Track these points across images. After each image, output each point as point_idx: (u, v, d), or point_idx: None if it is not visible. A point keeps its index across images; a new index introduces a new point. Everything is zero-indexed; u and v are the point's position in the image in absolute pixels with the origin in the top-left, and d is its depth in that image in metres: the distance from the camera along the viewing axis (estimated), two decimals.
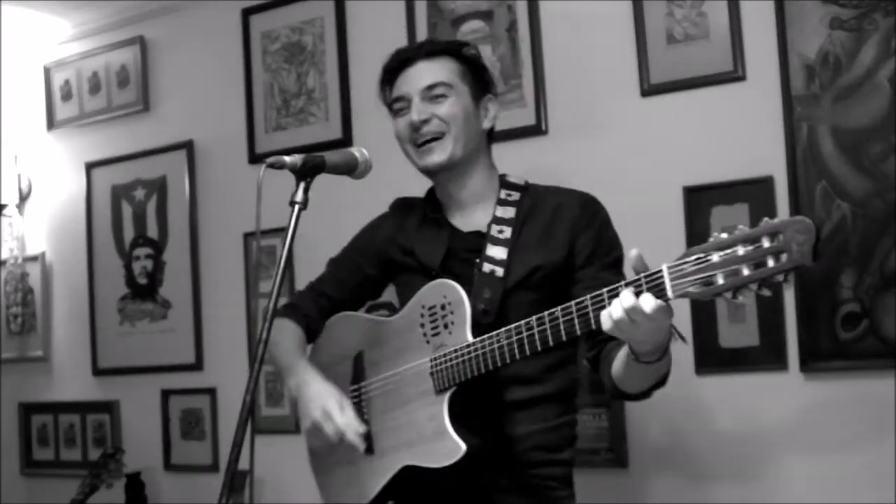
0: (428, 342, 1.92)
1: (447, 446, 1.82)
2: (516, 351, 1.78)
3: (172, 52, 3.78)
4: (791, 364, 2.56)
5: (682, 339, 1.83)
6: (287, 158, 1.77)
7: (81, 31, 3.98)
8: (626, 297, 1.57)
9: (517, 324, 1.78)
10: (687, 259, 1.51)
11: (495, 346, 1.80)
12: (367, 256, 2.19)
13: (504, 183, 2.09)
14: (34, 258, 4.10)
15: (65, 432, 4.00)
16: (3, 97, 4.15)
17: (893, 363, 2.42)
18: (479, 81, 2.08)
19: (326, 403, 1.92)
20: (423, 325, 1.94)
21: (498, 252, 1.98)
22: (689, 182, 2.69)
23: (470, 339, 1.85)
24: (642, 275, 1.57)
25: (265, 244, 3.40)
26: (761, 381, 2.59)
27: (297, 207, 1.78)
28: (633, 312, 1.56)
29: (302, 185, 1.79)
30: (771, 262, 1.42)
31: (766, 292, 1.45)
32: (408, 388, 1.94)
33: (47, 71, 4.09)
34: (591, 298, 1.66)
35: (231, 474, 1.63)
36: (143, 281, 3.82)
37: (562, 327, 1.71)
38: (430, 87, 2.02)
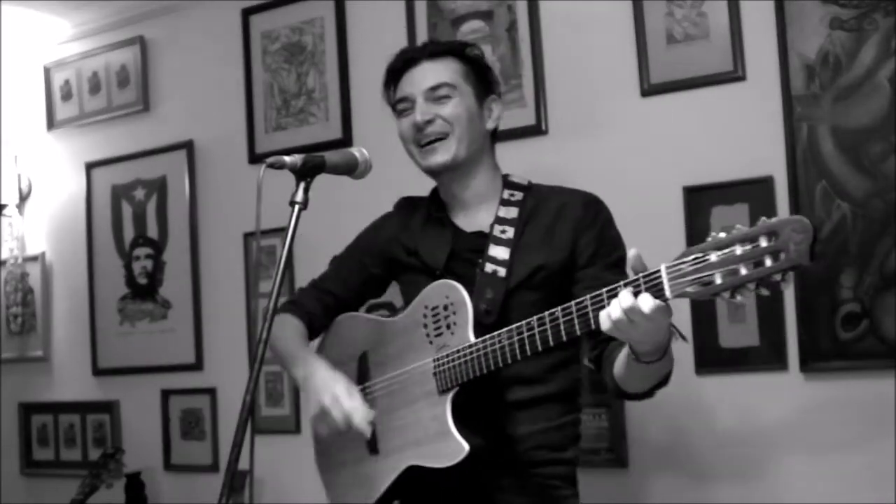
0: (431, 343, 1.93)
1: (450, 447, 1.82)
2: (517, 351, 1.78)
3: (172, 52, 3.78)
4: (791, 364, 2.56)
5: (683, 338, 1.83)
6: (287, 158, 1.77)
7: (81, 31, 3.98)
8: (624, 298, 1.57)
9: (518, 324, 1.78)
10: (685, 259, 1.50)
11: (496, 346, 1.80)
12: (371, 255, 2.19)
13: (507, 183, 2.09)
14: (34, 258, 4.10)
15: (65, 432, 4.00)
16: (3, 97, 4.15)
17: (893, 363, 2.42)
18: (483, 82, 2.08)
19: (335, 388, 1.92)
20: (426, 326, 1.95)
21: (500, 252, 1.98)
22: (689, 182, 2.69)
23: (472, 339, 1.85)
24: (641, 275, 1.57)
25: (265, 244, 3.40)
26: (761, 381, 2.59)
27: (297, 207, 1.78)
28: (631, 313, 1.56)
29: (302, 185, 1.79)
30: (768, 262, 1.41)
31: (765, 292, 1.45)
32: (412, 388, 1.94)
33: (47, 71, 4.09)
34: (591, 299, 1.66)
35: (231, 474, 1.63)
36: (143, 281, 3.82)
37: (562, 327, 1.71)
38: (434, 88, 2.02)
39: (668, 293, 1.53)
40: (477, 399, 1.88)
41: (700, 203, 2.67)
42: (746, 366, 2.61)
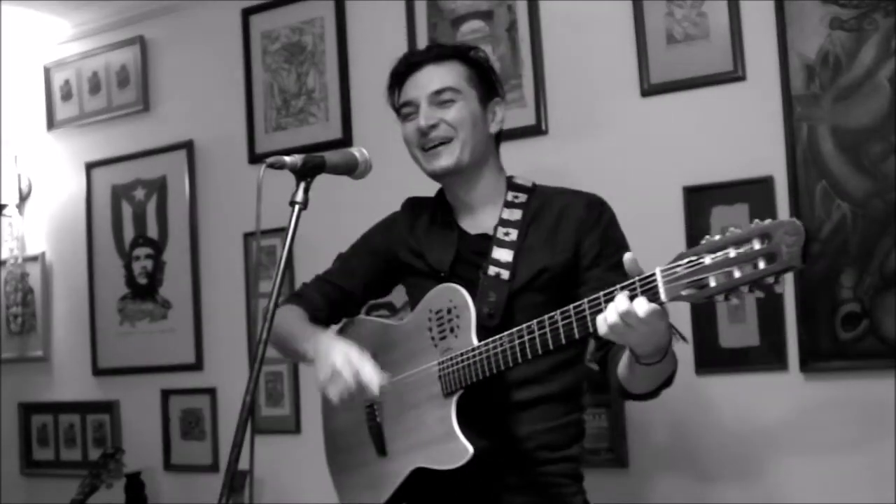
0: (436, 346, 1.94)
1: (456, 448, 1.83)
2: (518, 354, 1.79)
3: (172, 52, 3.78)
4: (791, 364, 2.56)
5: (683, 338, 1.83)
6: (287, 158, 1.77)
7: (81, 31, 3.98)
8: (620, 302, 1.57)
9: (519, 327, 1.79)
10: (679, 262, 1.51)
11: (498, 349, 1.81)
12: (377, 254, 2.19)
13: (511, 185, 2.09)
14: (34, 258, 4.10)
15: (65, 432, 4.00)
16: (3, 97, 4.15)
17: (893, 363, 2.42)
18: (487, 85, 2.08)
19: (347, 350, 1.90)
20: (430, 329, 1.95)
21: (504, 255, 1.98)
22: (689, 182, 2.69)
23: (475, 342, 1.86)
24: (636, 278, 1.57)
25: (265, 244, 3.40)
26: (761, 381, 2.59)
27: (297, 207, 1.78)
28: (627, 317, 1.56)
29: (302, 185, 1.79)
30: (762, 265, 1.41)
31: (759, 294, 1.45)
32: (418, 391, 1.95)
33: (47, 71, 4.09)
34: (589, 302, 1.66)
35: (231, 474, 1.63)
36: (143, 281, 3.82)
37: (561, 331, 1.72)
38: (438, 92, 2.01)
39: (663, 296, 1.53)
40: (482, 400, 1.89)
41: (700, 203, 2.67)
42: (746, 366, 2.61)
